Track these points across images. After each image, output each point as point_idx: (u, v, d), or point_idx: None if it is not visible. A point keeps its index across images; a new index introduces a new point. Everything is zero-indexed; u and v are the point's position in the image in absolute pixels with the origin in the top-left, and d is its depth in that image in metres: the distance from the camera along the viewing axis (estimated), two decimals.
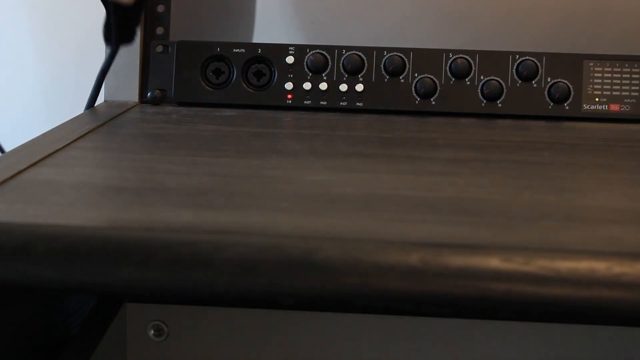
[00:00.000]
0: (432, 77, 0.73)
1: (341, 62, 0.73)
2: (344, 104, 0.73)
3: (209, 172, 0.51)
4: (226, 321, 0.61)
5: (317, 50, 0.74)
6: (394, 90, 0.73)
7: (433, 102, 0.73)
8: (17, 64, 0.91)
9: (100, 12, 0.68)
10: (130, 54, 0.74)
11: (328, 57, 0.74)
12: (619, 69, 0.73)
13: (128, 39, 0.71)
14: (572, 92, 0.73)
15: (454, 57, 0.73)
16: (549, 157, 0.59)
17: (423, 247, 0.35)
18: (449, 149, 0.60)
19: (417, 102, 0.73)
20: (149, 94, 0.74)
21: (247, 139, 0.62)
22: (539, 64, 0.73)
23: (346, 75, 0.74)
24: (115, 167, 0.52)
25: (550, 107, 0.73)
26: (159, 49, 0.75)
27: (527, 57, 0.73)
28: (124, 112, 0.70)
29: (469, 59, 0.73)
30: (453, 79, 0.73)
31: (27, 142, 0.55)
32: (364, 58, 0.73)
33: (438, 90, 0.73)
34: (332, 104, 0.74)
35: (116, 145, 0.58)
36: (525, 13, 0.88)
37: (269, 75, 0.74)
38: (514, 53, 0.73)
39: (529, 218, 0.41)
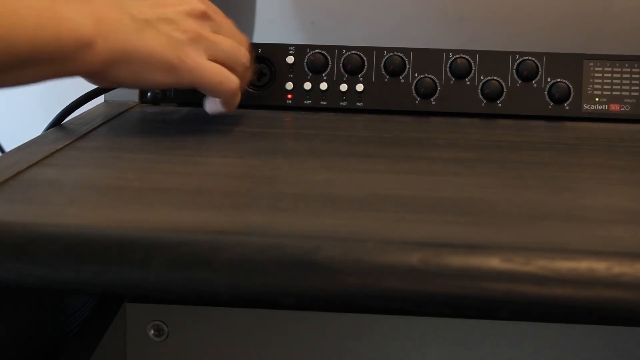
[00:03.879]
0: (432, 77, 0.73)
1: (341, 62, 0.73)
2: (344, 104, 0.73)
3: (209, 172, 0.51)
4: (226, 321, 0.61)
5: (317, 50, 0.74)
6: (394, 90, 0.73)
7: (433, 102, 0.73)
8: None
9: None
10: None
11: (328, 57, 0.74)
12: (619, 69, 0.73)
13: None
14: (572, 92, 0.73)
15: (454, 57, 0.73)
16: (549, 157, 0.59)
17: (423, 247, 0.35)
18: (449, 149, 0.60)
19: (417, 102, 0.73)
20: (149, 93, 0.74)
21: (247, 138, 0.62)
22: (539, 64, 0.73)
23: (346, 75, 0.73)
24: (115, 167, 0.52)
25: (550, 107, 0.73)
26: None
27: (527, 57, 0.73)
28: (124, 111, 0.70)
29: (469, 59, 0.73)
30: (453, 79, 0.73)
31: (27, 142, 0.55)
32: (364, 58, 0.73)
33: (438, 90, 0.73)
34: (332, 104, 0.74)
35: (116, 145, 0.58)
36: (525, 13, 0.88)
37: (269, 75, 0.74)
38: (514, 53, 0.73)
39: (529, 218, 0.41)
